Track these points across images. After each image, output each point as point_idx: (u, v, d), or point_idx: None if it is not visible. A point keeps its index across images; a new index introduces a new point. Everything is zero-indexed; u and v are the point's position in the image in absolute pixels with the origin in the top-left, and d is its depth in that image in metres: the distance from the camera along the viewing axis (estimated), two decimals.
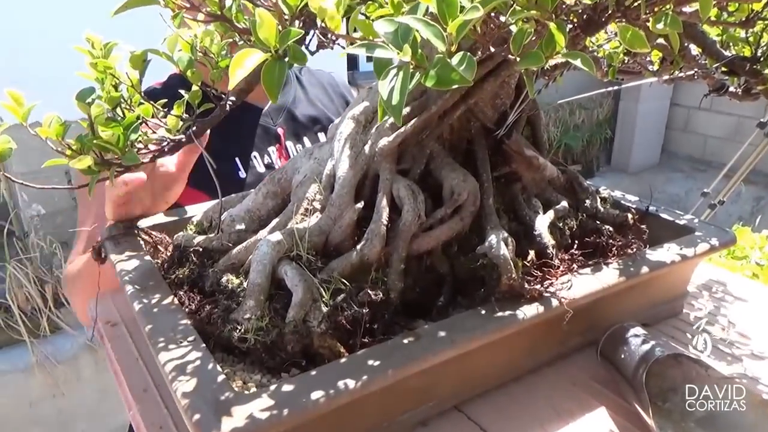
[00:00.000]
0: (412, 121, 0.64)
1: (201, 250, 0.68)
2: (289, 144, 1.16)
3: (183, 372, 0.51)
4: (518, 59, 0.37)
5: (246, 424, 0.45)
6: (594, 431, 0.63)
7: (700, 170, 4.73)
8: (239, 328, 0.53)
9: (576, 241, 0.76)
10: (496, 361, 0.67)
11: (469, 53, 0.35)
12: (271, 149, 1.13)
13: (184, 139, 0.63)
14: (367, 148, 0.65)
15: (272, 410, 0.46)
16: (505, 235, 0.64)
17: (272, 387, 0.48)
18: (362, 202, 0.63)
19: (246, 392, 0.49)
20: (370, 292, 0.56)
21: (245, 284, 0.59)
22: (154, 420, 0.66)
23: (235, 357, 0.58)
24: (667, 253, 0.75)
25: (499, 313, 0.60)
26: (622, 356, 0.67)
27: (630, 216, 0.82)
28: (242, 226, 0.70)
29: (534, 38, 0.39)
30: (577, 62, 0.36)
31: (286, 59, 0.44)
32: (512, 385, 0.69)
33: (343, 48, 0.54)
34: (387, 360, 0.52)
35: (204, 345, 0.54)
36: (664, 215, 0.87)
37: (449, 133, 0.71)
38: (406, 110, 0.65)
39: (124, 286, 0.69)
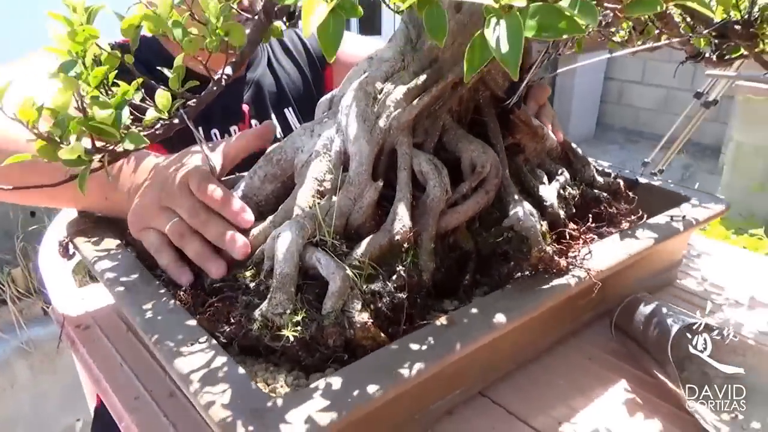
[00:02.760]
0: (430, 91, 0.59)
1: None
2: (255, 123, 1.07)
3: (209, 381, 0.44)
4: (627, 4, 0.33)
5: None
6: (618, 404, 0.62)
7: (633, 141, 4.92)
8: (270, 325, 0.47)
9: (578, 211, 0.74)
10: (519, 342, 0.64)
11: None
12: (233, 128, 1.04)
13: (176, 120, 0.55)
14: (381, 121, 0.59)
15: (330, 411, 0.41)
16: (530, 206, 0.61)
17: (320, 384, 0.43)
18: (381, 180, 0.58)
19: (292, 394, 0.44)
20: (403, 275, 0.52)
21: (261, 276, 0.53)
22: (153, 431, 0.59)
23: (254, 358, 0.52)
24: (671, 221, 0.75)
25: (533, 290, 0.57)
26: (641, 328, 0.67)
27: (621, 183, 0.82)
28: None
29: None
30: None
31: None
32: (531, 365, 0.67)
33: None
34: (437, 345, 0.49)
35: (221, 347, 0.48)
36: (656, 183, 0.87)
37: (458, 103, 0.67)
38: (422, 78, 0.60)
39: (106, 285, 0.61)
